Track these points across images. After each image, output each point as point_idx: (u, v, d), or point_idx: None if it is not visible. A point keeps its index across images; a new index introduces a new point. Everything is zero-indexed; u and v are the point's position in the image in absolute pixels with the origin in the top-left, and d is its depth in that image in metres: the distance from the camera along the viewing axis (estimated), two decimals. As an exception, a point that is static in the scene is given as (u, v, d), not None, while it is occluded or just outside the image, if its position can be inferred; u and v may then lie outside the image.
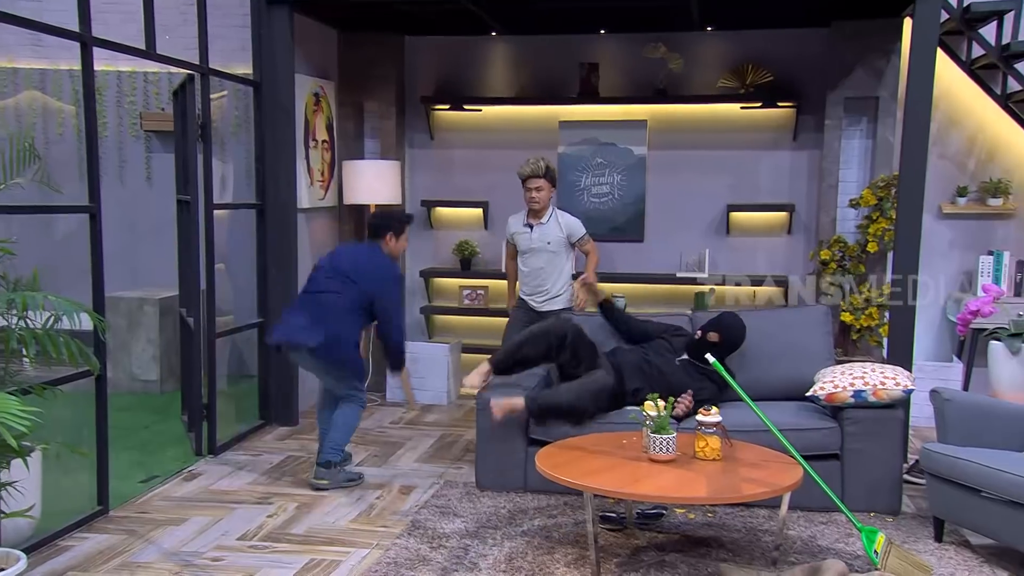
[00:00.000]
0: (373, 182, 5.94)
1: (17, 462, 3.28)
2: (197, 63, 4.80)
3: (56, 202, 4.19)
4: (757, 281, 6.06)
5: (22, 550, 3.18)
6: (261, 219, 5.49)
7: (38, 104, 6.69)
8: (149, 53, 4.35)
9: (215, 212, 5.05)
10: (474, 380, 4.42)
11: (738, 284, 6.08)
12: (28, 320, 3.44)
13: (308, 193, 5.87)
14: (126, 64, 6.50)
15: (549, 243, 5.13)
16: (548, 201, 5.16)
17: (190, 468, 4.76)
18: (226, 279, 6.27)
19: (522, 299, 5.29)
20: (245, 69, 5.44)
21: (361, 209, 6.42)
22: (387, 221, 4.60)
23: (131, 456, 4.92)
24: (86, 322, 3.55)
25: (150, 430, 5.47)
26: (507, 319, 5.43)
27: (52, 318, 3.46)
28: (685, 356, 4.44)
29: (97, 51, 3.94)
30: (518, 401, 4.08)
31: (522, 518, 4.02)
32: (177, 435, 5.35)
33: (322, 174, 6.11)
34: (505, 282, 5.69)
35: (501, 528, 3.89)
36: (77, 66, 3.97)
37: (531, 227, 5.19)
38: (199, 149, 4.94)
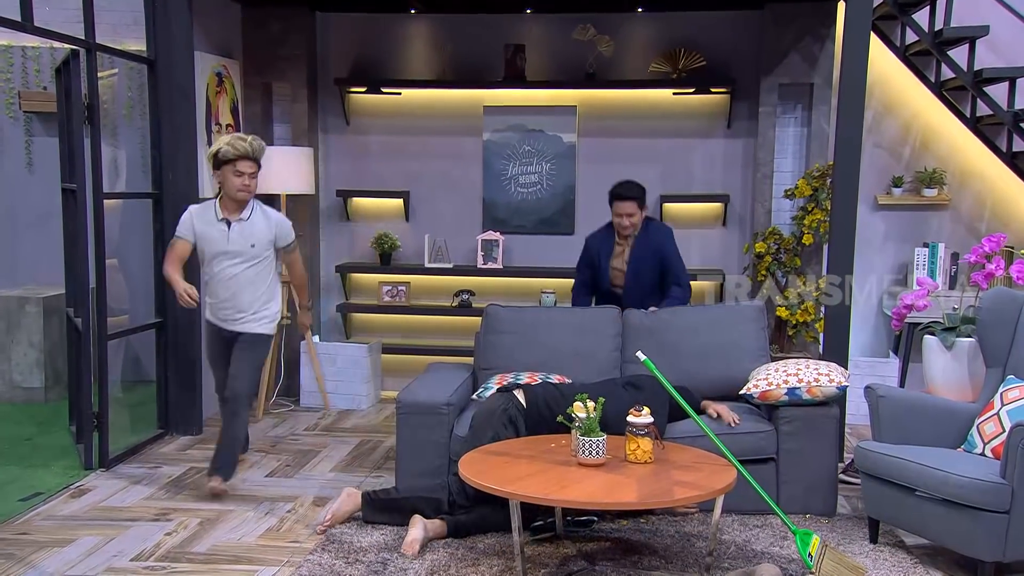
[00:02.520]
0: (283, 170, 5.84)
1: None
2: (82, 37, 4.64)
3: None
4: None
5: None
6: (158, 210, 5.34)
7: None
8: (25, 25, 4.18)
9: (106, 202, 4.90)
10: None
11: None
12: None
13: (211, 181, 5.72)
14: (1, 37, 6.25)
15: (253, 245, 4.35)
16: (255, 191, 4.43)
17: (78, 483, 4.60)
18: (119, 276, 6.09)
19: (209, 321, 4.54)
20: (138, 45, 5.28)
21: (272, 200, 6.29)
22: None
23: (10, 471, 4.74)
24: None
25: (33, 442, 5.29)
26: (429, 317, 5.19)
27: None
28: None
29: (-34, 23, 3.78)
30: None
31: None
32: (64, 447, 5.17)
33: (226, 161, 5.97)
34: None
35: (426, 543, 3.86)
36: (-57, 39, 3.79)
37: (228, 223, 4.34)
38: (86, 133, 4.78)
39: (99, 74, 4.81)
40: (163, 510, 4.25)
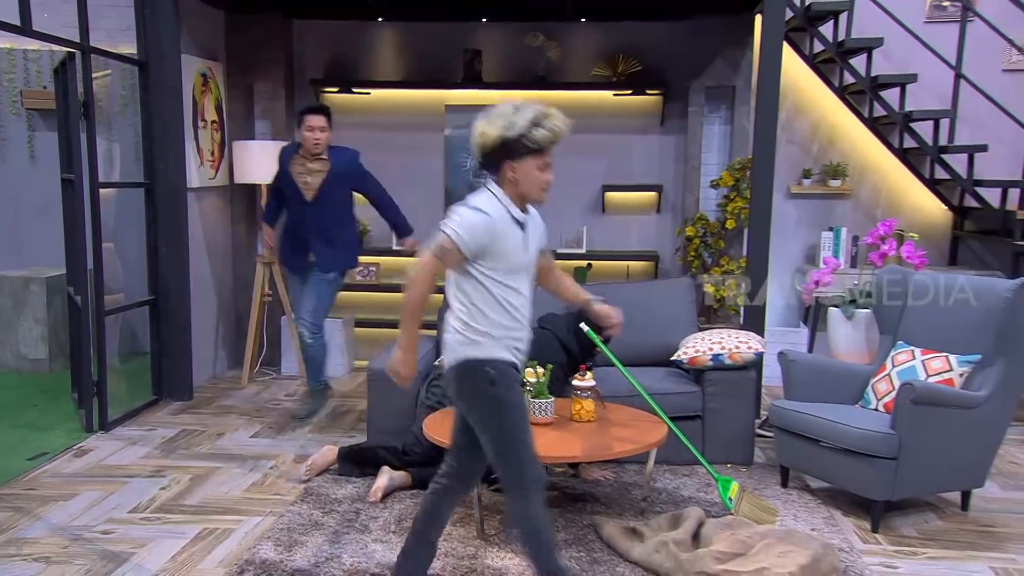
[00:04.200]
0: (264, 162, 5.74)
1: None
2: (78, 41, 4.52)
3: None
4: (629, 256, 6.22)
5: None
6: (150, 198, 5.24)
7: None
8: (25, 30, 4.06)
9: (102, 191, 4.79)
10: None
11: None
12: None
13: (198, 173, 5.63)
14: (4, 41, 6.06)
15: (540, 251, 2.84)
16: None
17: (80, 444, 4.53)
18: (115, 257, 5.97)
19: (514, 367, 2.68)
20: (130, 49, 5.15)
21: (252, 188, 6.22)
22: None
23: (18, 434, 4.65)
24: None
25: (39, 408, 5.18)
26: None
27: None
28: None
29: (-31, 27, 3.65)
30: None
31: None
32: (67, 413, 5.08)
33: (212, 154, 5.87)
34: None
35: (392, 492, 3.87)
36: (-52, 41, 3.66)
37: (522, 225, 2.68)
38: (83, 128, 4.66)
39: (94, 74, 4.68)
40: (158, 467, 4.21)
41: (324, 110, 4.75)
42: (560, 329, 4.16)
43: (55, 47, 4.85)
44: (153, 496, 3.84)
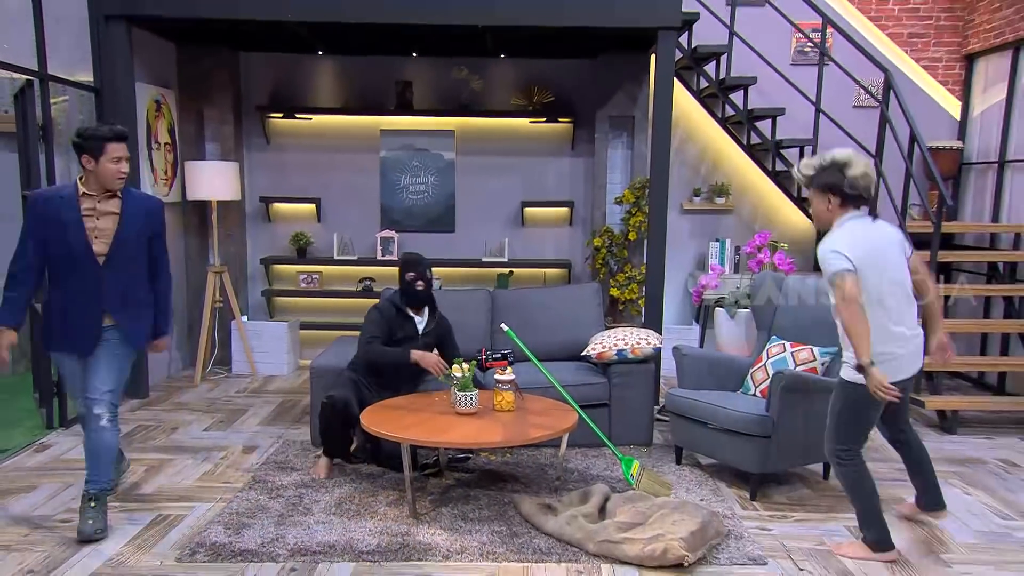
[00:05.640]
0: (214, 180, 5.63)
1: None
2: (35, 69, 4.34)
3: None
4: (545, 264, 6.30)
5: None
6: (106, 213, 5.06)
7: None
8: (-16, 58, 3.89)
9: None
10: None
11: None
12: None
13: (153, 190, 5.47)
14: (-37, 66, 5.76)
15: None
16: None
17: (41, 440, 4.35)
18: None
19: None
20: (87, 76, 4.97)
21: (204, 204, 6.08)
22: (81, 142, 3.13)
23: (-21, 435, 4.44)
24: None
25: (1, 408, 4.95)
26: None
27: None
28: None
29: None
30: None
31: (351, 469, 4.00)
32: (29, 411, 4.87)
33: (166, 173, 5.72)
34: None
35: (333, 478, 3.85)
36: (-93, 68, 3.48)
37: None
38: (41, 149, 4.49)
39: (52, 100, 4.51)
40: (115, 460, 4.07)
41: (127, 136, 3.21)
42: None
43: (15, 74, 4.64)
44: (110, 488, 3.72)
